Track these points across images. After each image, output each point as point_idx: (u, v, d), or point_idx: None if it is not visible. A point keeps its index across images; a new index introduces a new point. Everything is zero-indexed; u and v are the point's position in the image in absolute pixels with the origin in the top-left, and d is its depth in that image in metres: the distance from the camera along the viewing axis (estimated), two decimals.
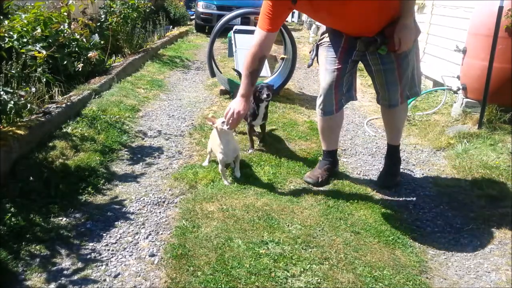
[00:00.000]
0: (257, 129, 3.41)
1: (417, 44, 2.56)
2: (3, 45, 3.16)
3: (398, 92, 2.57)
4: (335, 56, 2.55)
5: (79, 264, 1.91)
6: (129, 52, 6.12)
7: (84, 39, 4.05)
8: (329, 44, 2.58)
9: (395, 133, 2.81)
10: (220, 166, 2.69)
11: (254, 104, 3.12)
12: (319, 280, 1.85)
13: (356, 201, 2.55)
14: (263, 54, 2.37)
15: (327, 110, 2.67)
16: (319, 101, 2.69)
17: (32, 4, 3.62)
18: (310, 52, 2.71)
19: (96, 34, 4.87)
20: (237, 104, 2.40)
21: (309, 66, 2.74)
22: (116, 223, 2.25)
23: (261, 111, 3.16)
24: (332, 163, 2.87)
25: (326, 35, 2.60)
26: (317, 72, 6.60)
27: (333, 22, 2.46)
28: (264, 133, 3.36)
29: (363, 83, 5.40)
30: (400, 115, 2.77)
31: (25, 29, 3.42)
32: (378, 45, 2.37)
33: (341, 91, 2.65)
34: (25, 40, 3.42)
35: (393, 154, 2.86)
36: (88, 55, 4.05)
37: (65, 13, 3.80)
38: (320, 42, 2.65)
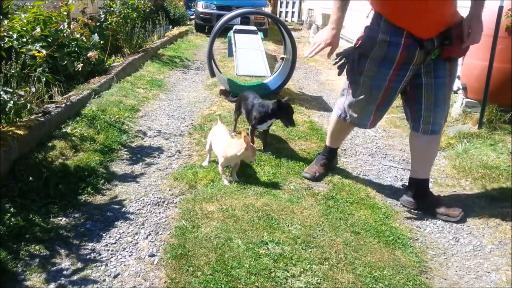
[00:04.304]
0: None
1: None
2: (2, 45, 3.15)
3: (444, 115, 2.31)
4: (388, 71, 2.21)
5: (79, 264, 1.91)
6: (129, 52, 6.12)
7: (84, 38, 4.04)
8: (384, 56, 2.19)
9: (428, 165, 2.45)
10: (220, 167, 2.69)
11: (264, 111, 3.04)
12: (319, 280, 1.84)
13: (356, 201, 2.55)
14: None
15: (359, 122, 2.50)
16: (352, 112, 2.45)
17: (32, 4, 3.61)
18: (337, 57, 2.36)
19: (96, 34, 4.87)
20: (324, 34, 2.18)
21: (339, 74, 2.42)
22: (116, 223, 2.24)
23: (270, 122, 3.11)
24: (329, 159, 2.90)
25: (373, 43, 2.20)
26: (317, 72, 6.60)
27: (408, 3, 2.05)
28: (267, 140, 3.23)
29: None
30: (437, 144, 2.46)
31: (24, 28, 3.42)
32: (435, 46, 2.14)
33: (382, 110, 2.42)
34: (24, 39, 3.42)
35: (423, 190, 2.44)
36: (88, 55, 4.05)
37: (65, 13, 3.81)
38: (358, 46, 2.28)
